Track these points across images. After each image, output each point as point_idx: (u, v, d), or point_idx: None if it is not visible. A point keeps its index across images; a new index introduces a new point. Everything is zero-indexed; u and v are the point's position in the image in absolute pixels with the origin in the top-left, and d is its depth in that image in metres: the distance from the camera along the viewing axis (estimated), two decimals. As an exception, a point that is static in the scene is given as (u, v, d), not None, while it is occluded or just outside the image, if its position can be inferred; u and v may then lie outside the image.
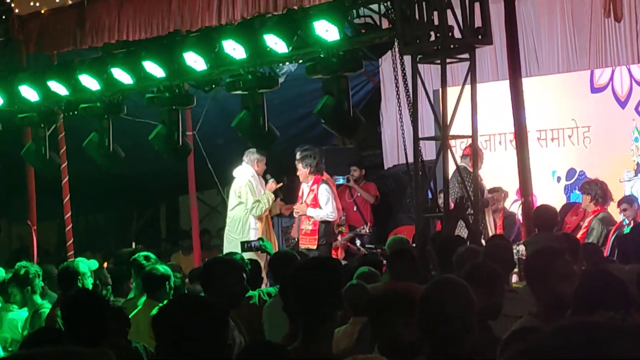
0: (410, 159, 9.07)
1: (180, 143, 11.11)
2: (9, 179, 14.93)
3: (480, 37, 8.39)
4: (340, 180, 13.50)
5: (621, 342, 1.71)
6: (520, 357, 1.78)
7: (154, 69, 10.42)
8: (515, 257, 8.61)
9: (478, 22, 8.39)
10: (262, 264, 9.60)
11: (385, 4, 8.85)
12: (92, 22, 12.28)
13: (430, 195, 9.30)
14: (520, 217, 10.59)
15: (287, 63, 10.66)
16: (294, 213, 12.19)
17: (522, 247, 9.26)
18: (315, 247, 11.71)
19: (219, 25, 10.60)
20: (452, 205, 8.67)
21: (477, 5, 8.36)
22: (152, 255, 8.79)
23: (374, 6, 9.07)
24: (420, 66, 8.54)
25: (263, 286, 8.47)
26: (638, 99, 11.90)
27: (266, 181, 12.02)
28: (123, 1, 11.99)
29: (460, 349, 3.77)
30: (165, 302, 4.79)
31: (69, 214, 13.22)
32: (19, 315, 8.48)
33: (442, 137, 8.47)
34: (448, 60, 8.56)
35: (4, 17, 13.55)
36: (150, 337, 4.82)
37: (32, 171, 13.15)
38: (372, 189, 13.79)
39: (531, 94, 10.90)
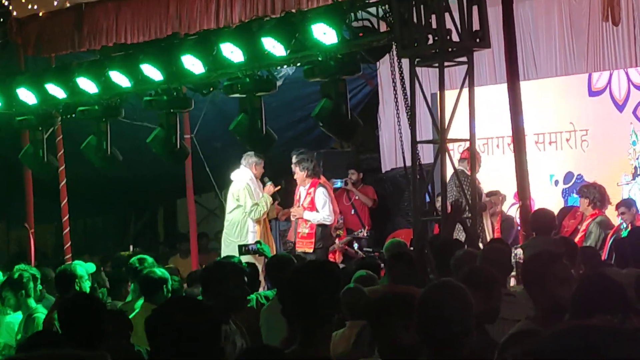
0: (408, 163, 9.07)
1: (178, 146, 11.10)
2: (6, 181, 14.91)
3: (478, 40, 8.39)
4: (338, 184, 13.50)
5: (620, 345, 1.71)
6: None
7: (152, 72, 10.42)
8: (513, 260, 8.61)
9: (476, 26, 8.39)
10: (259, 267, 9.61)
11: (383, 7, 8.86)
12: (90, 25, 12.27)
13: (428, 199, 9.29)
14: (518, 220, 10.59)
15: (285, 66, 10.66)
16: (291, 216, 12.19)
17: (519, 251, 9.26)
18: (311, 250, 11.72)
19: (217, 28, 10.60)
20: (449, 208, 8.67)
21: (475, 9, 8.36)
22: (148, 258, 8.78)
23: (372, 9, 9.08)
24: (418, 69, 8.54)
25: (261, 289, 8.46)
26: (636, 103, 11.91)
27: (264, 184, 12.02)
28: (121, 4, 11.98)
29: (459, 352, 3.78)
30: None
31: (67, 216, 13.21)
32: (15, 318, 8.47)
33: (440, 140, 8.47)
34: (446, 63, 8.56)
35: (2, 19, 13.54)
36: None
37: (30, 174, 13.14)
38: (370, 192, 13.79)
39: (529, 98, 10.91)
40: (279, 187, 12.16)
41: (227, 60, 9.76)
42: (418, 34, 8.37)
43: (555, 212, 10.08)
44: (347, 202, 13.64)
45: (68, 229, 13.29)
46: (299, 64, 10.01)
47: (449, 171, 9.04)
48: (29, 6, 12.86)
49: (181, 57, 10.04)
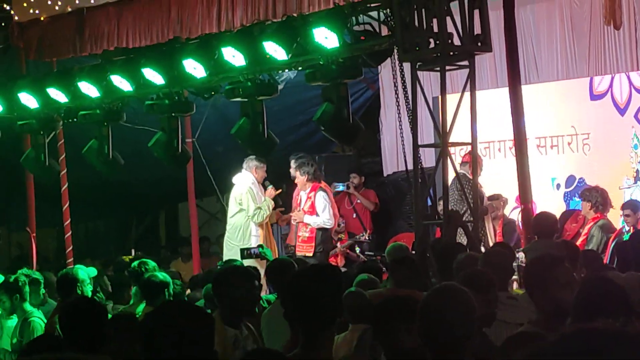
0: (410, 166, 9.07)
1: (180, 150, 11.10)
2: (8, 185, 14.92)
3: (479, 44, 8.39)
4: (340, 187, 13.50)
5: (622, 348, 1.71)
6: None
7: (154, 76, 10.42)
8: (515, 264, 8.60)
9: (477, 29, 8.39)
10: (262, 271, 9.60)
11: (384, 11, 8.86)
12: (92, 30, 12.29)
13: (429, 203, 9.29)
14: (519, 224, 10.59)
15: (286, 70, 10.66)
16: (292, 220, 12.19)
17: (521, 255, 9.25)
18: (312, 254, 11.72)
19: (219, 32, 10.60)
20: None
21: (476, 13, 8.36)
22: (150, 262, 8.78)
23: (374, 13, 9.08)
24: (419, 73, 8.54)
25: (262, 293, 8.46)
26: (637, 106, 11.90)
27: (265, 188, 12.02)
28: (123, 8, 11.99)
29: (461, 356, 3.77)
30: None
31: (69, 221, 13.22)
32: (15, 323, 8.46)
33: (442, 144, 8.47)
34: (447, 67, 8.56)
35: (3, 24, 13.56)
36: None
37: (32, 178, 13.14)
38: (372, 196, 13.79)
39: (531, 101, 10.91)
40: (280, 190, 12.16)
41: (228, 64, 9.77)
42: (419, 37, 8.37)
43: (557, 216, 10.06)
44: (349, 205, 13.63)
45: (70, 233, 13.29)
46: (300, 68, 10.01)
47: (451, 175, 9.03)
48: (31, 10, 12.88)
49: (183, 61, 10.04)
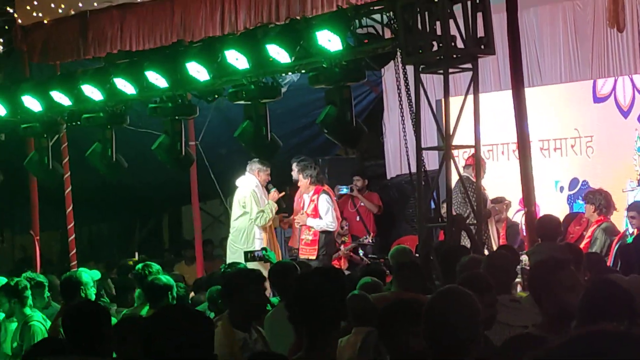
0: (413, 169, 9.06)
1: (183, 153, 11.11)
2: (12, 189, 14.94)
3: (482, 47, 8.39)
4: (344, 190, 13.50)
5: (628, 350, 1.71)
6: None
7: (157, 79, 10.43)
8: (518, 266, 8.60)
9: (481, 32, 8.39)
10: (265, 274, 9.58)
11: (387, 14, 8.86)
12: (95, 33, 12.31)
13: (433, 205, 9.29)
14: (523, 227, 10.58)
15: (289, 73, 10.67)
16: (295, 223, 12.19)
17: (525, 257, 9.24)
18: (315, 257, 11.71)
19: (222, 36, 10.61)
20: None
21: (479, 16, 8.36)
22: (154, 265, 8.78)
23: (377, 16, 9.08)
24: (422, 76, 8.54)
25: (266, 296, 8.45)
26: (640, 109, 11.90)
27: (268, 191, 12.02)
28: (126, 12, 12.01)
29: (465, 359, 3.77)
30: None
31: (72, 224, 13.23)
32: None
33: (445, 147, 8.47)
34: (451, 70, 8.56)
35: (7, 27, 13.58)
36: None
37: (35, 181, 13.16)
38: (375, 198, 13.79)
39: (534, 104, 10.90)
40: (283, 193, 12.15)
41: (231, 67, 9.77)
42: (423, 40, 8.37)
43: (561, 219, 10.05)
44: (352, 208, 13.64)
45: (73, 236, 13.31)
46: (303, 71, 10.02)
47: (454, 178, 9.04)
48: (34, 14, 12.90)
49: (186, 64, 10.05)
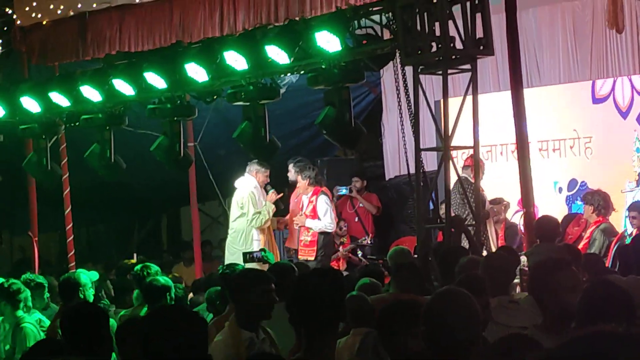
0: (412, 170, 9.07)
1: (182, 154, 11.10)
2: (10, 189, 14.93)
3: (481, 47, 8.39)
4: (343, 191, 13.50)
5: (628, 351, 1.71)
6: None
7: (156, 80, 10.42)
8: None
9: (479, 33, 8.39)
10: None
11: (386, 15, 8.86)
12: (94, 34, 12.30)
13: (431, 206, 9.29)
14: (522, 227, 10.58)
15: (288, 74, 10.67)
16: (294, 225, 12.19)
17: (524, 258, 9.24)
18: (313, 258, 11.71)
19: (221, 37, 10.61)
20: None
21: (478, 16, 8.37)
22: (153, 266, 8.77)
23: (376, 17, 9.08)
24: (421, 77, 8.54)
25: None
26: (639, 110, 11.90)
27: (267, 192, 12.01)
28: (125, 13, 12.00)
29: (465, 360, 3.77)
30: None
31: (71, 225, 13.22)
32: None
33: (444, 148, 8.47)
34: (449, 71, 8.57)
35: (6, 28, 13.58)
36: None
37: (34, 182, 13.15)
38: (374, 199, 13.79)
39: (533, 105, 10.90)
40: (281, 194, 12.15)
41: (230, 68, 9.77)
42: (421, 41, 8.37)
43: (559, 219, 10.06)
44: (351, 209, 13.64)
45: (72, 237, 13.30)
46: (302, 72, 10.02)
47: (453, 178, 9.04)
48: (33, 15, 12.89)
49: (185, 65, 10.05)
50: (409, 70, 8.78)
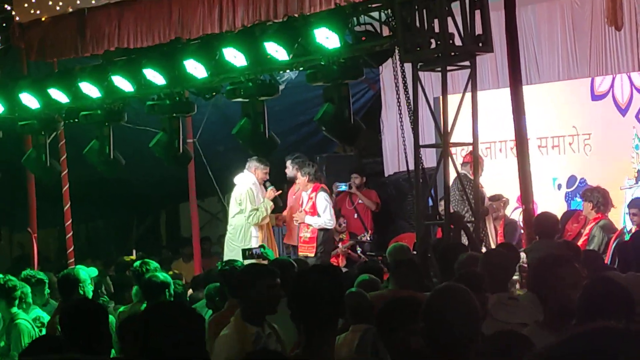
0: (411, 167, 9.07)
1: (181, 150, 11.10)
2: (9, 186, 14.92)
3: (480, 44, 8.39)
4: (342, 188, 13.50)
5: (628, 347, 1.71)
6: None
7: (155, 76, 10.42)
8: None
9: (479, 30, 8.39)
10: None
11: (385, 12, 8.86)
12: (93, 30, 12.30)
13: (430, 203, 9.29)
14: (521, 224, 10.58)
15: (287, 70, 10.66)
16: (294, 221, 12.19)
17: (523, 255, 9.25)
18: (313, 254, 11.72)
19: (220, 33, 10.60)
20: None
21: (477, 13, 8.36)
22: (152, 263, 8.77)
23: (375, 14, 9.07)
24: (420, 73, 8.55)
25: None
26: (638, 107, 11.90)
27: (266, 189, 12.02)
28: (124, 9, 12.00)
29: (464, 357, 3.76)
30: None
31: (70, 221, 13.22)
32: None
33: (443, 144, 8.47)
34: (449, 67, 8.57)
35: (4, 24, 13.57)
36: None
37: (33, 178, 13.15)
38: (373, 196, 13.79)
39: (532, 102, 10.91)
40: (280, 191, 12.15)
41: (229, 65, 9.76)
42: (421, 38, 8.37)
43: (559, 216, 10.06)
44: (350, 206, 13.64)
45: (71, 233, 13.31)
46: (301, 68, 10.01)
47: (452, 175, 9.03)
48: (32, 11, 12.89)
49: (184, 61, 10.04)
50: (408, 66, 8.78)
